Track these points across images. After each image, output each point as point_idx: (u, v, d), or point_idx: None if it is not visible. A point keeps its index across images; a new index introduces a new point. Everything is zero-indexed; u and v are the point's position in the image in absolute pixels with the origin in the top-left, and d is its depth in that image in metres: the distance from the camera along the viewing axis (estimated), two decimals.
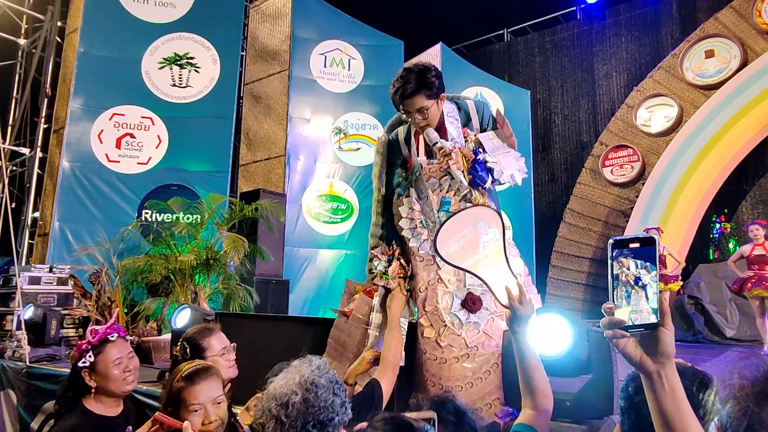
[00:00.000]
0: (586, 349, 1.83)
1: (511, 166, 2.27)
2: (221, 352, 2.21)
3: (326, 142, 7.96)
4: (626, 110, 9.24)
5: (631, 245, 0.88)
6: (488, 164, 2.20)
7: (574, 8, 10.88)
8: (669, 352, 0.87)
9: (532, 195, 9.71)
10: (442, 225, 1.75)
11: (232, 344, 2.36)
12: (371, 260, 2.47)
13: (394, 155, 2.50)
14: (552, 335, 1.83)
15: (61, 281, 5.60)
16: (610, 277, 0.90)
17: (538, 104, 10.87)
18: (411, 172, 2.36)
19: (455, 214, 1.81)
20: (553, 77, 10.96)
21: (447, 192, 2.27)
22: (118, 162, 6.78)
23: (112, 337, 2.13)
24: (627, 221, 8.77)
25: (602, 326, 0.92)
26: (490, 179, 2.20)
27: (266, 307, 5.82)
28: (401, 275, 2.34)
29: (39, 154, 7.89)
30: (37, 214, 7.63)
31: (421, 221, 2.27)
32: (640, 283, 0.88)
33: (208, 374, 1.70)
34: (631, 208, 8.79)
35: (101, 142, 6.73)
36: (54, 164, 6.86)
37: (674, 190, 8.40)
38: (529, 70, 11.30)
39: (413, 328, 2.42)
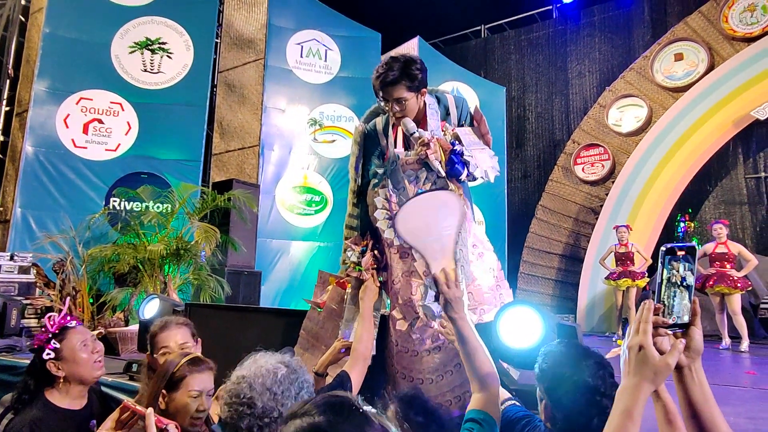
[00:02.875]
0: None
1: (485, 163, 2.28)
2: (181, 347, 2.13)
3: (301, 133, 7.88)
4: (598, 109, 9.43)
5: (679, 252, 0.98)
6: (464, 157, 2.21)
7: (550, 7, 11.02)
8: (699, 348, 0.96)
9: (506, 191, 9.84)
10: (409, 200, 1.79)
11: (196, 339, 2.28)
12: (345, 251, 2.46)
13: (371, 145, 2.48)
14: (523, 328, 1.86)
15: (23, 270, 5.42)
16: (659, 280, 0.99)
17: (512, 101, 10.99)
18: (388, 163, 2.35)
19: (424, 192, 1.84)
20: (527, 75, 11.09)
21: (423, 184, 2.27)
22: (85, 148, 6.57)
23: (71, 323, 2.07)
24: (597, 218, 8.97)
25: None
26: (465, 172, 2.21)
27: (237, 299, 5.76)
28: (374, 266, 2.34)
29: (0, 138, 7.59)
30: None
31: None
32: (685, 283, 0.97)
33: (208, 366, 1.77)
34: (601, 206, 9.00)
35: (67, 127, 6.52)
36: (16, 149, 6.61)
37: (642, 188, 8.63)
38: (504, 67, 11.41)
39: (385, 321, 2.42)
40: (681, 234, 9.02)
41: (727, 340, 6.05)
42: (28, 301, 4.88)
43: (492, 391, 1.44)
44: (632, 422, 0.92)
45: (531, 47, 11.10)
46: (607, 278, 7.32)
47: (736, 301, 5.91)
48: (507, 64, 11.39)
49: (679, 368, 0.96)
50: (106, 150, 6.65)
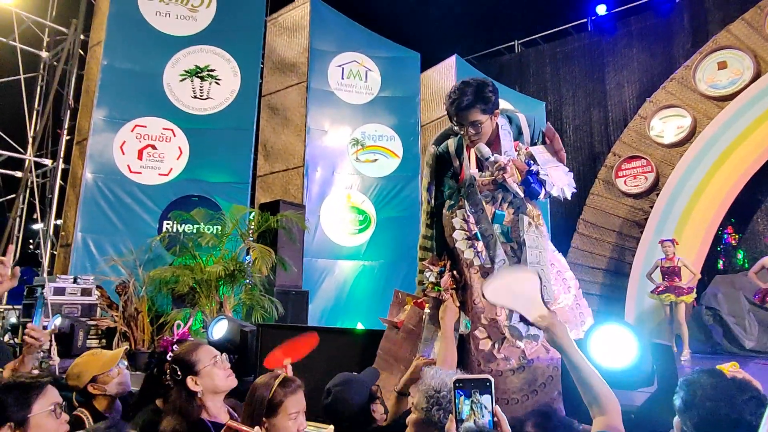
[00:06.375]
0: (650, 362, 1.85)
1: (561, 180, 2.30)
2: (212, 361, 2.08)
3: (344, 153, 8.02)
4: (639, 121, 9.28)
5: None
6: (540, 176, 2.23)
7: (585, 20, 10.98)
8: None
9: (548, 206, 9.72)
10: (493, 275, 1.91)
11: (223, 355, 2.23)
12: (421, 272, 2.49)
13: (443, 167, 2.53)
14: (616, 347, 1.85)
15: (85, 292, 5.64)
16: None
17: (549, 114, 10.91)
18: (463, 183, 2.39)
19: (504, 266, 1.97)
20: (564, 87, 11.02)
21: (500, 205, 2.30)
22: (140, 173, 6.84)
23: (190, 338, 2.21)
24: (641, 232, 8.78)
25: None
26: (543, 191, 2.23)
27: (286, 319, 5.84)
28: (453, 287, 2.36)
29: (62, 165, 7.96)
30: (59, 222, 7.67)
31: (476, 233, 2.29)
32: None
33: (299, 384, 1.79)
34: (645, 219, 8.80)
35: (123, 154, 6.81)
36: (77, 175, 6.93)
37: (689, 201, 8.41)
38: (539, 81, 11.37)
39: (463, 340, 2.44)
40: (726, 246, 8.75)
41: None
42: (93, 322, 5.06)
43: (614, 412, 1.45)
44: None
45: (566, 60, 11.05)
46: (651, 291, 7.16)
47: None
48: (542, 77, 11.35)
49: None
50: (159, 174, 6.91)
